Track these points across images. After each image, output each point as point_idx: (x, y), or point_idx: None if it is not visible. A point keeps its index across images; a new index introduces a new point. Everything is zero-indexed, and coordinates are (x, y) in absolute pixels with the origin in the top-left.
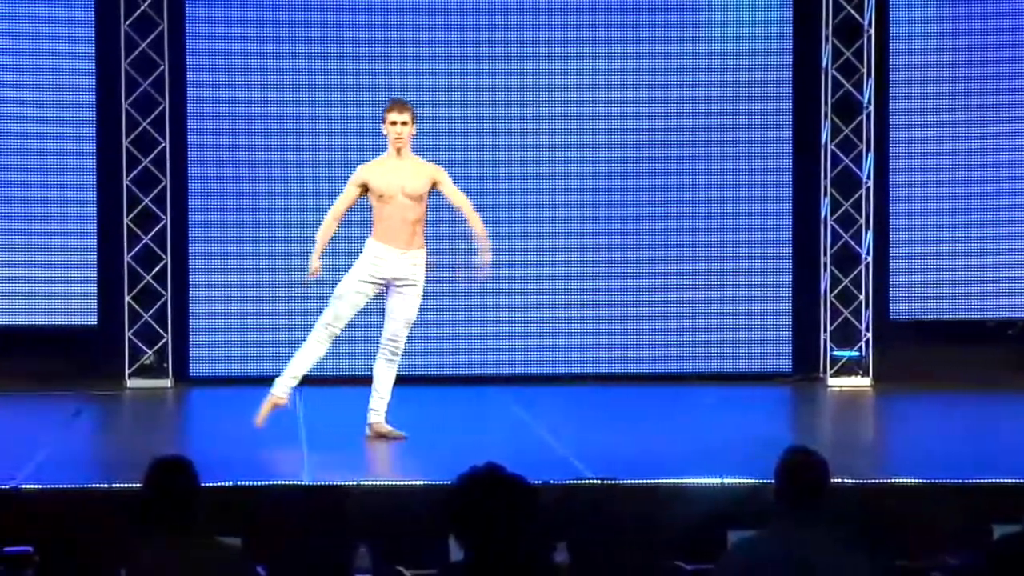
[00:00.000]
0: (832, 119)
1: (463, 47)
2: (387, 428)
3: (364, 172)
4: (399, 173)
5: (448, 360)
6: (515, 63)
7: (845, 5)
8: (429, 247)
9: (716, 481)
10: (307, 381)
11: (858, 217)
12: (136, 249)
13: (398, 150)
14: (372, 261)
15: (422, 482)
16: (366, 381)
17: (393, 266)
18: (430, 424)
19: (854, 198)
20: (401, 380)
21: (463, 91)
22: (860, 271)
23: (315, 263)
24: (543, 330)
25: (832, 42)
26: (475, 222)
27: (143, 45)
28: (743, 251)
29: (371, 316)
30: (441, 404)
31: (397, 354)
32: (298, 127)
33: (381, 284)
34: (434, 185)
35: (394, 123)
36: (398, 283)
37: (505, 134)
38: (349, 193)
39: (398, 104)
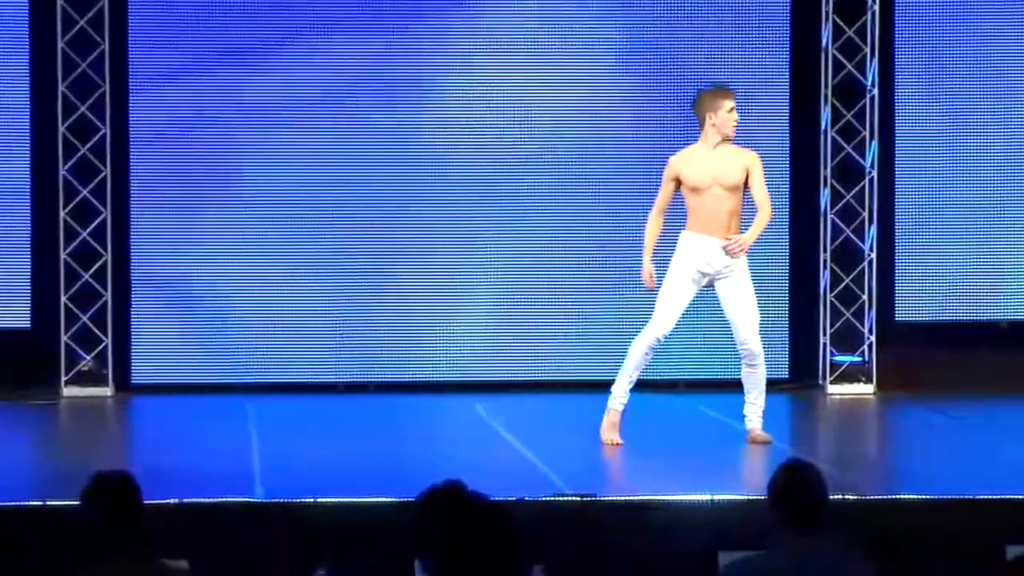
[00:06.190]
0: (833, 103)
1: (439, 47)
2: (760, 435)
3: (675, 164)
4: (713, 162)
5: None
6: (497, 56)
7: None
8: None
9: (706, 498)
10: (258, 389)
11: (861, 210)
12: (73, 245)
13: (723, 139)
14: (689, 253)
15: (386, 499)
16: (322, 389)
17: (713, 256)
18: (396, 434)
19: (856, 189)
20: (369, 388)
21: (454, 95)
22: (863, 269)
23: (648, 266)
24: (513, 335)
25: (833, 19)
26: (759, 222)
27: (81, 22)
28: None
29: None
30: (413, 413)
31: (755, 357)
32: (252, 112)
33: (704, 276)
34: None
35: (732, 109)
36: (721, 274)
37: (492, 136)
38: (667, 189)
39: (731, 91)
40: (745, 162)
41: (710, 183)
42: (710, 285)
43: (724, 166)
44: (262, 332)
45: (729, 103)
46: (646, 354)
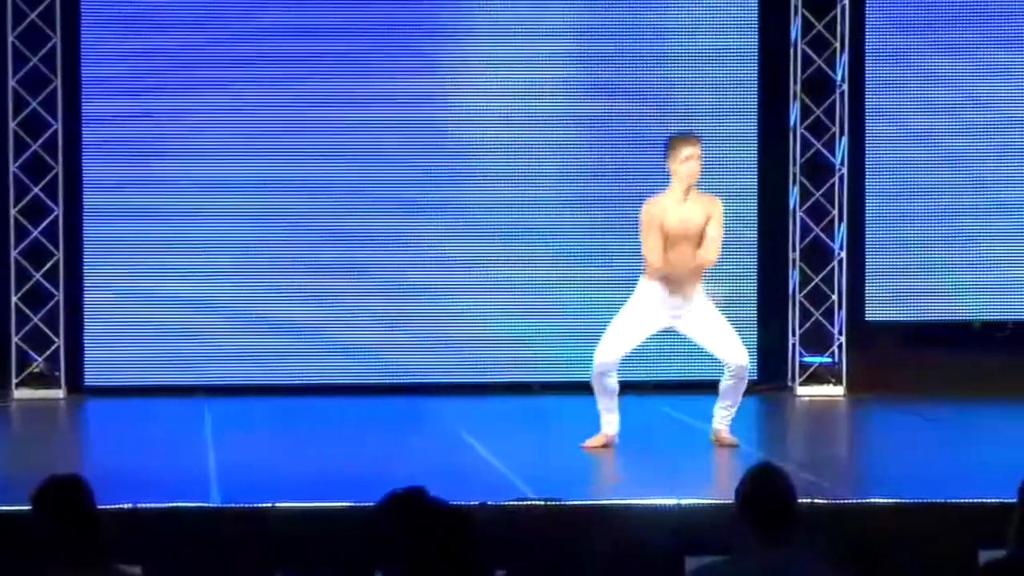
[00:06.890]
0: (802, 99)
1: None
2: (727, 437)
3: (654, 212)
4: (684, 210)
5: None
6: (462, 59)
7: None
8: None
9: (672, 502)
10: (215, 392)
11: (831, 208)
12: (24, 244)
13: (689, 188)
14: (649, 295)
15: (346, 504)
16: (280, 392)
17: (670, 299)
18: (356, 438)
19: (826, 187)
20: (328, 391)
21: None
22: (832, 268)
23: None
24: (473, 338)
25: (802, 13)
26: (705, 253)
27: (32, 16)
28: None
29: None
30: (373, 416)
31: (743, 371)
32: (208, 108)
33: (660, 318)
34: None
35: (688, 158)
36: (677, 314)
37: (460, 137)
38: (658, 235)
39: (692, 137)
40: (707, 210)
41: (682, 232)
42: (670, 328)
43: (691, 213)
44: (218, 334)
45: (687, 150)
46: (603, 383)
